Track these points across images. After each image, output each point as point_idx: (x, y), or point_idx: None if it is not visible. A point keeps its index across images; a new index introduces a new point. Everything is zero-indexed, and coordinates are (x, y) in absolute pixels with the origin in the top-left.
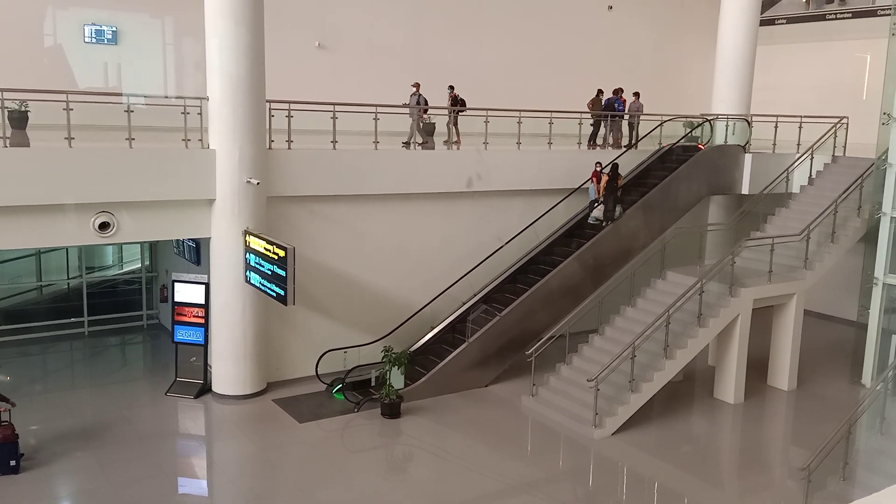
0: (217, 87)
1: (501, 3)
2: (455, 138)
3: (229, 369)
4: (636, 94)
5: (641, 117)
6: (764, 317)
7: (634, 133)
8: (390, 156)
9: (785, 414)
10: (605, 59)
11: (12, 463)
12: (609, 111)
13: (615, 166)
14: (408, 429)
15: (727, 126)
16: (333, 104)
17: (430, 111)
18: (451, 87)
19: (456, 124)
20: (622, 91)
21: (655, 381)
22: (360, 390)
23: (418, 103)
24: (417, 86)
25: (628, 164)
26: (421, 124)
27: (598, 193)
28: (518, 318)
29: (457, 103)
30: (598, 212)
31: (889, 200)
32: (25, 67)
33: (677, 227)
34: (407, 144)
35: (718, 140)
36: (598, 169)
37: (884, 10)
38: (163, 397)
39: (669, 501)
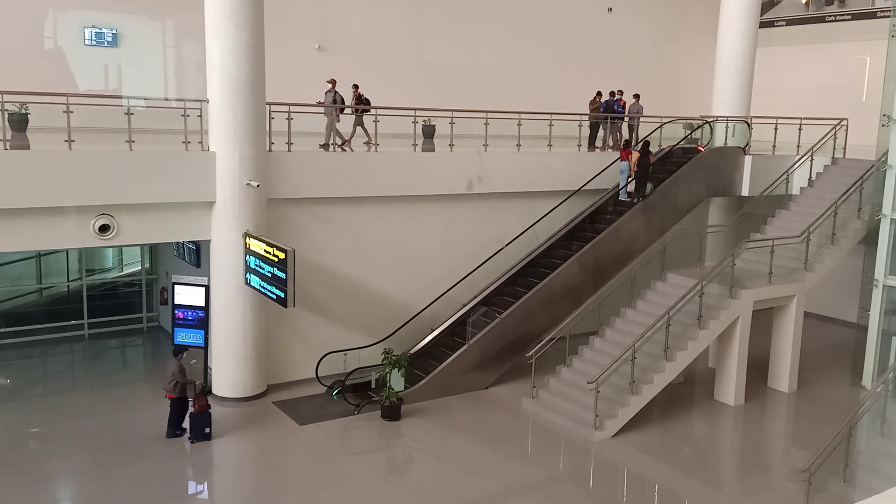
0: (217, 90)
1: (501, 5)
2: (366, 139)
3: (229, 372)
4: (636, 96)
5: (641, 119)
6: (764, 319)
7: (634, 135)
8: (390, 158)
9: (785, 416)
10: (605, 60)
11: (207, 430)
12: (608, 113)
13: (646, 143)
14: (408, 431)
15: (727, 128)
16: (334, 106)
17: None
18: (356, 87)
19: (363, 124)
20: (622, 93)
21: (656, 382)
22: (360, 392)
23: (334, 101)
24: (333, 82)
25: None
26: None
27: (631, 170)
28: (518, 321)
29: (361, 102)
30: (630, 187)
31: (889, 202)
32: (25, 70)
33: (677, 228)
34: (325, 146)
35: (718, 142)
36: (631, 147)
37: (883, 11)
38: (163, 399)
39: (670, 503)
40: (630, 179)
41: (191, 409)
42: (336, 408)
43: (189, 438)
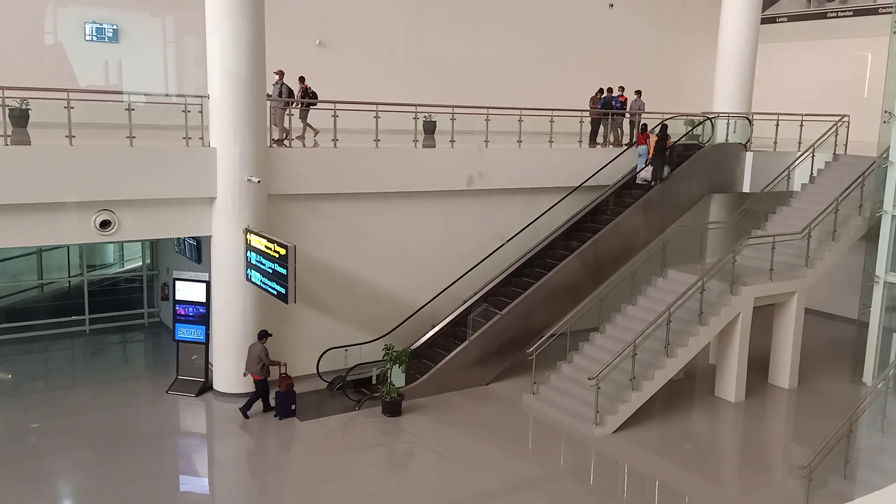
0: (218, 85)
1: (502, 1)
2: (301, 133)
3: (230, 367)
4: (638, 93)
5: (643, 115)
6: (765, 315)
7: (636, 131)
8: (391, 154)
9: (786, 412)
10: (607, 56)
11: (293, 407)
12: (606, 109)
13: (664, 127)
14: (409, 427)
15: (728, 124)
16: (334, 102)
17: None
18: (302, 79)
19: (306, 118)
20: (623, 89)
21: (656, 379)
22: (361, 388)
23: (280, 94)
24: (281, 74)
25: (629, 162)
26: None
27: (649, 154)
28: (519, 317)
29: (307, 96)
30: (646, 172)
31: (890, 199)
32: (26, 65)
33: (678, 225)
34: (279, 142)
35: (720, 138)
36: (648, 131)
37: (885, 7)
38: (164, 395)
39: (670, 499)
40: (647, 164)
41: (276, 389)
42: (337, 403)
43: (275, 416)
